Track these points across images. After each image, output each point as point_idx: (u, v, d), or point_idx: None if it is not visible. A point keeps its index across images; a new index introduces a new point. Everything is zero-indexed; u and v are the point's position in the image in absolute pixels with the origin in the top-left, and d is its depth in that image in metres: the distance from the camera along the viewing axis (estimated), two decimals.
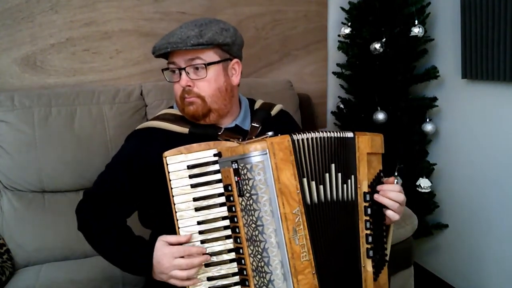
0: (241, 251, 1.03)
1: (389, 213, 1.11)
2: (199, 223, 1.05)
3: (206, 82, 1.17)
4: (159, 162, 1.05)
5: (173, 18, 2.04)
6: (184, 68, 1.17)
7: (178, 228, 1.05)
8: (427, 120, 2.19)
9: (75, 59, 1.92)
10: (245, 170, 1.00)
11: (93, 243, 1.18)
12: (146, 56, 1.99)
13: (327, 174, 1.06)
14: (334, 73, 2.35)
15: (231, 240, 1.05)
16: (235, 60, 1.23)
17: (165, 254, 1.04)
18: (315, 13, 2.33)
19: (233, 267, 1.05)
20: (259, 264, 1.01)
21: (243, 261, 1.03)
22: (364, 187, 1.09)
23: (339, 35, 2.29)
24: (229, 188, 1.03)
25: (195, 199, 1.05)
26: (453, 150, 2.22)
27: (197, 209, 1.05)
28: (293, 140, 1.02)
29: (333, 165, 1.07)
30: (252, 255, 1.02)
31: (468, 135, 2.13)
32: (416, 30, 2.04)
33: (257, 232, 1.00)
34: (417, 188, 2.17)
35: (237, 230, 1.03)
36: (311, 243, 1.01)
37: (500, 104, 1.94)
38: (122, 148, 1.28)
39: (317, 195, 1.04)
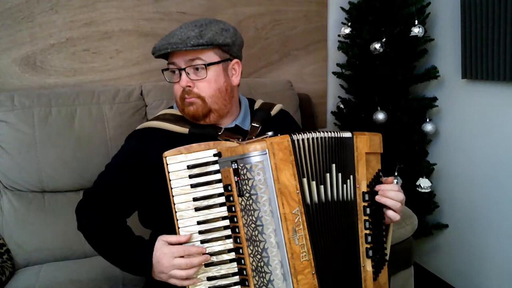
0: (241, 251, 1.03)
1: (390, 213, 1.11)
2: (199, 223, 1.05)
3: (206, 82, 1.17)
4: (159, 162, 1.05)
5: (173, 18, 2.04)
6: (184, 69, 1.17)
7: (178, 228, 1.05)
8: (427, 120, 2.20)
9: (75, 59, 1.92)
10: (244, 170, 1.00)
11: (93, 243, 1.18)
12: (146, 56, 1.99)
13: (327, 174, 1.06)
14: (334, 73, 2.35)
15: (231, 240, 1.05)
16: (235, 60, 1.23)
17: (165, 254, 1.04)
18: (315, 13, 2.33)
19: (233, 267, 1.05)
20: (259, 264, 1.01)
21: (242, 261, 1.03)
22: (363, 187, 1.09)
23: (339, 35, 2.30)
24: (229, 188, 1.03)
25: (195, 199, 1.05)
26: (453, 150, 2.22)
27: (197, 209, 1.05)
28: (292, 140, 1.02)
29: (333, 165, 1.07)
30: (251, 255, 1.02)
31: (468, 135, 2.13)
32: (416, 30, 2.04)
33: (256, 232, 1.00)
34: (417, 188, 2.17)
35: (237, 230, 1.03)
36: (310, 243, 1.01)
37: (500, 104, 1.94)
38: (122, 148, 1.28)
39: (317, 195, 1.04)
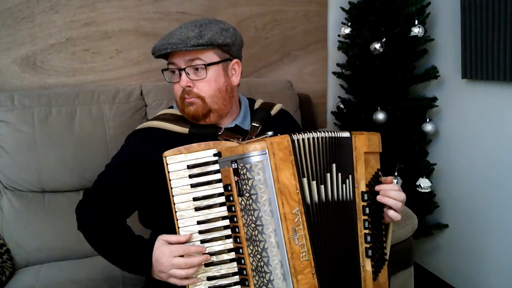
0: (240, 250, 1.03)
1: (391, 213, 1.11)
2: (199, 223, 1.05)
3: (206, 82, 1.17)
4: (159, 162, 1.05)
5: (173, 18, 2.04)
6: (184, 69, 1.17)
7: (178, 228, 1.05)
8: (427, 120, 2.20)
9: (75, 59, 1.92)
10: (244, 170, 1.00)
11: (93, 243, 1.18)
12: (146, 56, 1.99)
13: (328, 174, 1.06)
14: (334, 73, 2.35)
15: (231, 239, 1.05)
16: (235, 60, 1.23)
17: (164, 253, 1.04)
18: (315, 13, 2.33)
19: (233, 267, 1.05)
20: (259, 264, 1.01)
21: (242, 260, 1.03)
22: (362, 187, 1.09)
23: (339, 35, 2.30)
24: (229, 188, 1.03)
25: (195, 199, 1.05)
26: (453, 150, 2.22)
27: (197, 209, 1.05)
28: (292, 140, 1.02)
29: (334, 165, 1.07)
30: (251, 255, 1.02)
31: (468, 135, 2.13)
32: (416, 30, 2.04)
33: (256, 232, 1.00)
34: (417, 188, 2.17)
35: (237, 230, 1.03)
36: (310, 243, 1.01)
37: (500, 104, 1.94)
38: (122, 148, 1.28)
39: (317, 195, 1.04)
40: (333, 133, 1.08)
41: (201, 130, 1.20)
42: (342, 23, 2.27)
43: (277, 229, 0.99)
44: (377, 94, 2.16)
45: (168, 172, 1.05)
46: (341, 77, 2.32)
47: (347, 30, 2.22)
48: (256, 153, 1.00)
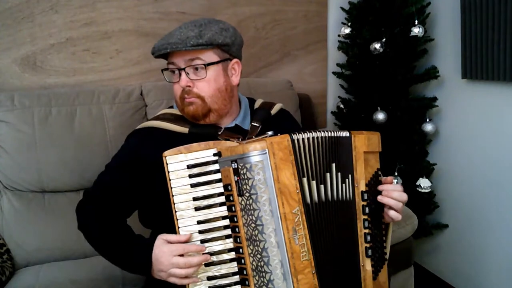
0: (241, 250, 1.03)
1: (392, 213, 1.11)
2: (199, 222, 1.05)
3: (206, 82, 1.17)
4: (159, 161, 1.05)
5: (173, 18, 2.04)
6: (183, 69, 1.17)
7: (178, 227, 1.05)
8: (427, 120, 2.20)
9: (75, 59, 1.92)
10: (244, 170, 1.00)
11: (93, 242, 1.18)
12: (146, 56, 1.99)
13: (327, 174, 1.06)
14: (334, 73, 2.35)
15: (231, 239, 1.05)
16: (234, 60, 1.23)
17: (164, 252, 1.04)
18: (315, 13, 2.33)
19: (233, 267, 1.05)
20: (259, 264, 1.01)
21: (243, 260, 1.03)
22: (362, 186, 1.09)
23: (339, 35, 2.30)
24: (229, 187, 1.03)
25: (195, 199, 1.05)
26: (453, 150, 2.22)
27: (197, 209, 1.05)
28: (292, 140, 1.02)
29: (333, 165, 1.07)
30: (252, 255, 1.02)
31: (468, 135, 2.13)
32: (416, 30, 2.04)
33: (256, 231, 1.00)
34: (417, 188, 2.17)
35: (237, 230, 1.03)
36: (310, 243, 1.01)
37: (500, 104, 1.94)
38: (122, 148, 1.28)
39: (317, 195, 1.04)
40: (332, 132, 1.08)
41: (201, 129, 1.20)
42: (342, 23, 2.27)
43: (277, 229, 0.99)
44: (377, 94, 2.16)
45: (168, 172, 1.05)
46: (341, 77, 2.32)
47: (347, 30, 2.22)
48: (256, 152, 1.00)
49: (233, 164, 1.02)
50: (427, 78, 2.17)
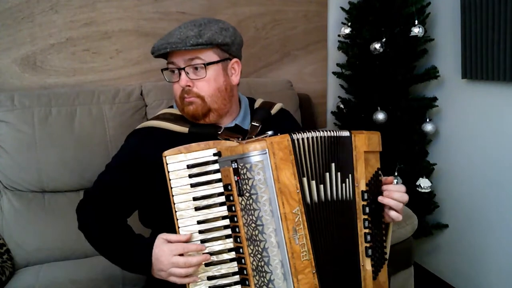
0: (241, 250, 1.03)
1: (393, 214, 1.11)
2: (199, 222, 1.05)
3: (206, 82, 1.17)
4: (159, 161, 1.05)
5: (173, 18, 2.04)
6: (183, 68, 1.17)
7: (178, 227, 1.05)
8: (427, 120, 2.20)
9: (75, 59, 1.92)
10: (244, 170, 1.00)
11: (93, 242, 1.18)
12: (146, 56, 1.98)
13: (327, 173, 1.06)
14: (334, 73, 2.35)
15: (231, 239, 1.05)
16: (234, 59, 1.23)
17: (164, 251, 1.04)
18: (315, 13, 2.34)
19: (233, 267, 1.05)
20: (259, 264, 1.01)
21: (243, 260, 1.03)
22: (362, 186, 1.09)
23: (339, 35, 2.30)
24: (229, 187, 1.03)
25: (195, 199, 1.05)
26: (453, 150, 2.22)
27: (197, 209, 1.05)
28: (292, 140, 1.02)
29: (333, 164, 1.07)
30: (252, 255, 1.02)
31: (468, 135, 2.13)
32: (416, 30, 2.04)
33: (257, 231, 1.00)
34: (417, 188, 2.17)
35: (237, 230, 1.03)
36: (311, 243, 1.01)
37: (500, 104, 1.94)
38: (122, 147, 1.28)
39: (317, 195, 1.04)
40: (333, 132, 1.08)
41: (201, 129, 1.20)
42: (342, 23, 2.27)
43: (278, 229, 0.99)
44: (377, 94, 2.16)
45: (168, 171, 1.05)
46: (341, 77, 2.32)
47: (347, 30, 2.22)
48: (256, 152, 1.00)
49: (233, 164, 1.02)
50: (427, 78, 2.17)
